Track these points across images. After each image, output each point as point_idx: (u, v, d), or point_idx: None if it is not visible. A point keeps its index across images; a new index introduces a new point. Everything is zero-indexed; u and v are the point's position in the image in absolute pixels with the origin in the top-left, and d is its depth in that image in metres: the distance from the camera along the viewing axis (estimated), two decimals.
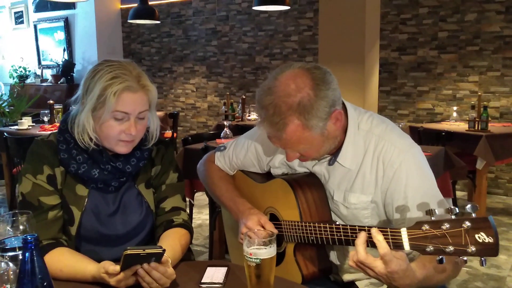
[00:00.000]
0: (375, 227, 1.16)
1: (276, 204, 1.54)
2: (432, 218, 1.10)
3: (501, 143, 3.89)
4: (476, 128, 4.02)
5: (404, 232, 1.12)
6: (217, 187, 1.71)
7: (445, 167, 3.30)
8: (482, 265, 1.05)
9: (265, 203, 1.58)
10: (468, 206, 1.05)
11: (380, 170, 1.38)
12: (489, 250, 1.02)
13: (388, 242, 1.13)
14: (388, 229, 1.15)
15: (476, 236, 1.03)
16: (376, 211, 1.42)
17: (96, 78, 1.37)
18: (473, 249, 1.03)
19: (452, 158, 3.33)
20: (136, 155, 1.47)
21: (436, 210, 1.10)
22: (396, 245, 1.14)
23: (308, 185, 1.47)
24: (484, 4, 4.96)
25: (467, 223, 1.03)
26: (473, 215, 1.04)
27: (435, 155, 3.10)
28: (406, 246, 1.12)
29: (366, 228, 1.20)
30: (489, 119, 4.04)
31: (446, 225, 1.06)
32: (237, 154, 1.71)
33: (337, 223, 1.36)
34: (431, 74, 5.34)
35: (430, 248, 1.08)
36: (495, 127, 4.22)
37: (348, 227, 1.26)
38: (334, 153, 1.44)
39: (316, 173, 1.50)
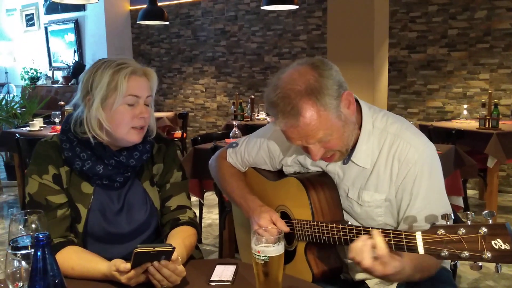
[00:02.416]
0: (391, 229, 1.17)
1: (287, 203, 1.54)
2: (448, 223, 1.09)
3: None
4: (487, 126, 3.99)
5: (419, 236, 1.12)
6: (228, 183, 1.71)
7: (456, 166, 3.27)
8: (498, 272, 1.04)
9: (277, 201, 1.59)
10: (485, 212, 1.04)
11: (395, 168, 1.37)
12: (505, 257, 1.02)
13: (402, 245, 1.14)
14: (403, 232, 1.16)
15: (493, 242, 1.02)
16: (390, 209, 1.42)
17: (100, 71, 1.41)
18: (489, 255, 1.02)
19: (463, 156, 3.31)
20: (138, 149, 1.49)
21: (451, 215, 1.10)
22: (410, 248, 1.14)
23: (320, 185, 1.46)
24: (494, 1, 4.91)
25: (484, 229, 1.03)
26: (490, 221, 1.04)
27: (446, 153, 3.08)
28: (421, 250, 1.12)
29: (371, 228, 1.21)
30: (500, 116, 4.00)
31: (462, 230, 1.05)
32: (249, 151, 1.71)
33: (349, 223, 1.36)
34: (441, 72, 5.30)
35: (445, 252, 1.08)
36: (506, 125, 4.18)
37: (362, 228, 1.25)
38: (349, 152, 1.44)
39: (329, 172, 1.50)
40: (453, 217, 1.12)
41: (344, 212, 1.49)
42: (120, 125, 1.41)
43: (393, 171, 1.38)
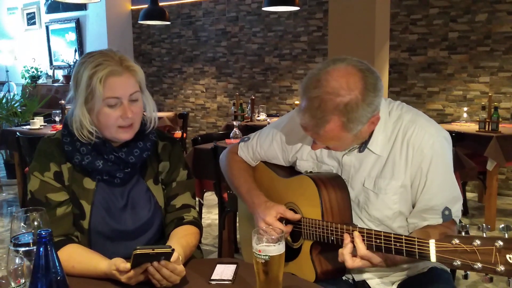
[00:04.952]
0: (403, 235, 1.20)
1: (297, 200, 1.54)
2: (463, 233, 1.10)
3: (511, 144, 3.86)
4: (487, 129, 3.99)
5: (432, 244, 1.12)
6: (236, 178, 1.71)
7: (455, 168, 3.24)
8: (509, 286, 1.03)
9: (286, 198, 1.58)
10: (501, 226, 1.06)
11: (410, 154, 1.40)
12: None
13: (414, 252, 1.16)
14: (416, 239, 1.17)
15: (507, 256, 1.02)
16: (405, 196, 1.43)
17: (80, 72, 1.39)
18: (502, 268, 1.02)
19: (462, 159, 3.32)
20: (139, 146, 1.48)
21: (467, 225, 1.12)
22: (422, 256, 1.15)
23: (332, 186, 1.47)
24: (495, 4, 4.92)
25: (500, 242, 1.02)
26: (506, 235, 1.04)
27: None
28: (433, 258, 1.12)
29: (383, 232, 1.24)
30: (500, 120, 4.00)
31: (477, 242, 1.05)
32: (262, 144, 1.70)
33: (358, 226, 1.36)
34: (441, 74, 5.31)
35: (458, 262, 1.07)
36: (505, 128, 4.19)
37: (373, 231, 1.26)
38: (365, 141, 1.45)
39: (345, 164, 1.50)
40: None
41: (359, 207, 1.49)
42: (107, 126, 1.41)
43: (408, 157, 1.40)
